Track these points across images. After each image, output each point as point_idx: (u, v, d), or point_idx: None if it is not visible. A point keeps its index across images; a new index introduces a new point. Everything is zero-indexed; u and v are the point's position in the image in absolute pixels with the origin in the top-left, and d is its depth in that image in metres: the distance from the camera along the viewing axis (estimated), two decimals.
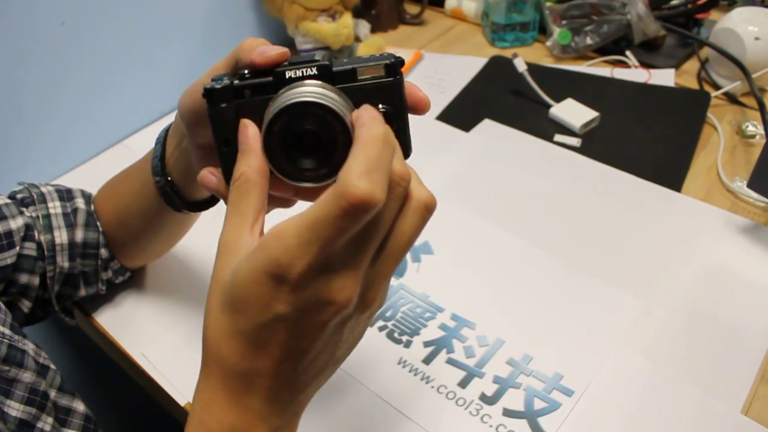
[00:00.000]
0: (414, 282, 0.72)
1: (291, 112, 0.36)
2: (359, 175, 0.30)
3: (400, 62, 0.38)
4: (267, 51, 0.38)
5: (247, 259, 0.33)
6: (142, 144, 0.97)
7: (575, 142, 0.90)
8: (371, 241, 0.33)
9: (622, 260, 0.73)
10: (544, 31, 1.14)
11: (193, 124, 0.46)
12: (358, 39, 1.11)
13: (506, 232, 0.77)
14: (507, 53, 1.10)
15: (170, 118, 1.02)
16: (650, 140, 0.90)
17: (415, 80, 1.06)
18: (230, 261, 0.35)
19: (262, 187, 0.37)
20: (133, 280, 0.74)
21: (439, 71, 1.08)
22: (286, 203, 0.44)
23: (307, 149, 0.36)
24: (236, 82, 0.38)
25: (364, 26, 1.13)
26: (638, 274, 0.71)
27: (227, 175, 0.39)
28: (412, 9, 1.24)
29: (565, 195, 0.82)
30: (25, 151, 0.87)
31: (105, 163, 0.95)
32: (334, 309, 0.33)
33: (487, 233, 0.77)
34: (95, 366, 1.03)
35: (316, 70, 0.37)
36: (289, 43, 1.13)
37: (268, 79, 0.38)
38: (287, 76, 0.37)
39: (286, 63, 0.38)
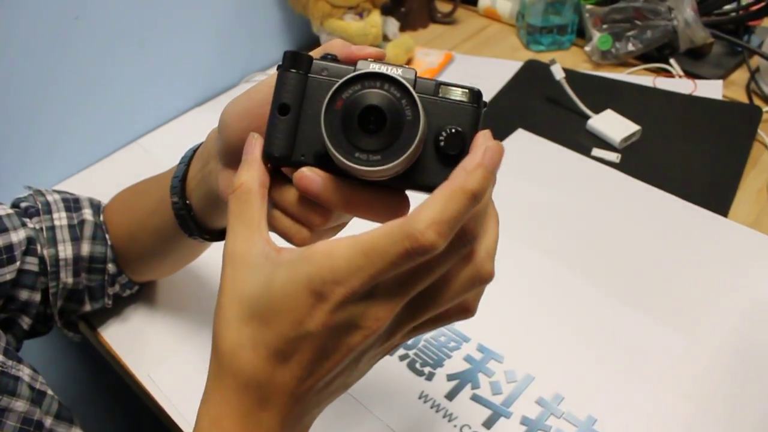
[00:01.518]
0: None
1: (365, 82, 0.35)
2: (430, 223, 0.30)
3: (484, 102, 0.38)
4: (366, 48, 0.38)
5: (286, 270, 0.33)
6: (156, 144, 0.94)
7: (614, 157, 0.85)
8: (419, 282, 0.33)
9: (663, 290, 0.68)
10: (582, 34, 1.08)
11: (235, 137, 0.42)
12: (386, 38, 1.06)
13: (539, 254, 0.72)
14: (542, 57, 1.05)
15: (187, 117, 1.00)
16: (695, 158, 0.84)
17: None
18: (246, 270, 0.34)
19: (263, 197, 0.37)
20: (142, 294, 0.71)
21: (470, 75, 1.03)
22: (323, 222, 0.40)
23: (367, 129, 0.35)
24: (317, 59, 0.37)
25: (392, 24, 1.08)
26: (680, 306, 0.66)
27: (270, 142, 0.37)
28: (443, 7, 1.19)
29: (602, 215, 0.77)
30: (35, 150, 0.84)
31: (118, 163, 0.91)
32: (363, 334, 0.32)
33: (518, 255, 0.72)
34: (101, 376, 1.00)
35: (401, 72, 0.36)
36: (314, 41, 1.08)
37: (350, 67, 0.36)
38: (371, 68, 0.36)
39: (371, 60, 0.37)
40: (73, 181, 0.88)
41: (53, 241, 0.60)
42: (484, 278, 0.35)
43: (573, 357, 0.62)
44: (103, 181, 0.88)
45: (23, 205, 0.61)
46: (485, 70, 1.04)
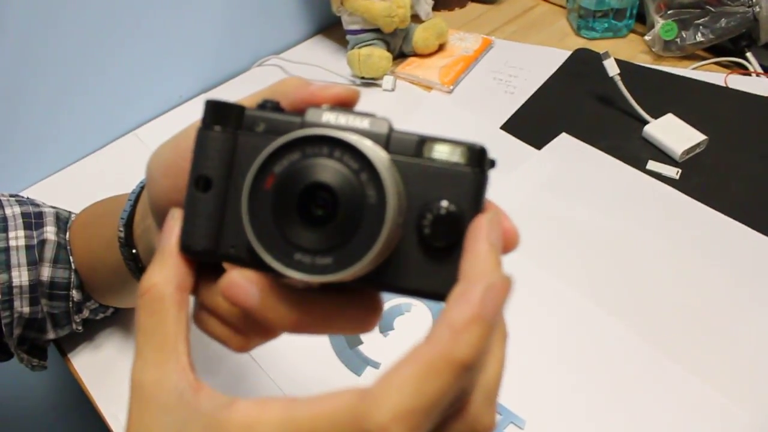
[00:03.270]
0: None
1: (307, 148, 0.24)
2: (397, 414, 0.20)
3: (491, 161, 0.27)
4: (331, 86, 0.29)
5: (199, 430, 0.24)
6: (155, 135, 0.85)
7: (674, 172, 0.72)
8: None
9: (725, 349, 0.56)
10: (642, 19, 0.94)
11: (161, 196, 0.32)
12: (417, 18, 0.94)
13: (573, 291, 0.61)
14: (595, 45, 0.92)
15: (191, 106, 0.91)
16: None
17: (481, 74, 0.89)
18: (154, 412, 0.26)
19: (180, 305, 0.27)
20: (119, 317, 0.62)
21: (511, 65, 0.90)
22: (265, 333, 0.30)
23: (310, 218, 0.24)
24: (250, 109, 0.27)
25: (425, 3, 0.95)
26: (746, 372, 0.55)
27: (187, 230, 0.27)
28: None
29: (655, 245, 0.65)
30: (20, 143, 0.76)
31: (111, 156, 0.83)
32: None
33: (549, 291, 0.61)
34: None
35: (368, 124, 0.26)
36: (334, 22, 0.97)
37: (296, 117, 0.26)
38: (324, 119, 0.26)
39: (326, 107, 0.27)
40: (62, 176, 0.80)
41: (6, 266, 0.52)
42: None
43: (610, 425, 0.52)
44: (94, 176, 0.80)
45: None
46: (528, 59, 0.91)
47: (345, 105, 0.29)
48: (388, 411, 0.20)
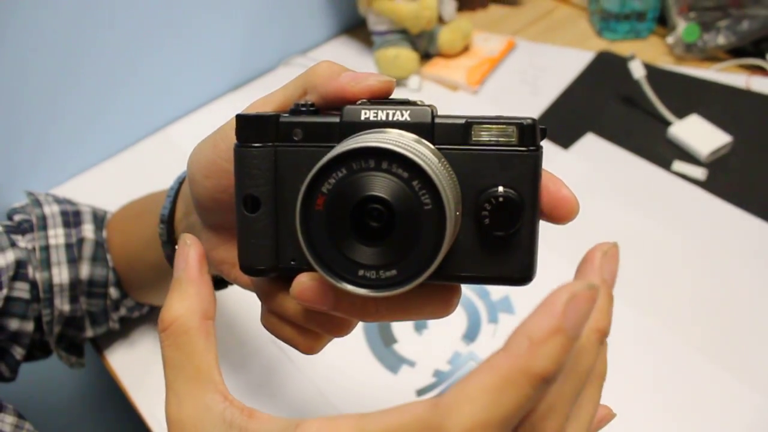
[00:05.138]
0: (489, 349, 0.58)
1: (353, 163, 0.23)
2: (469, 427, 0.19)
3: (542, 130, 0.26)
4: (363, 78, 0.27)
5: None
6: (184, 133, 0.85)
7: (699, 173, 0.72)
8: None
9: (758, 349, 0.57)
10: (664, 22, 0.94)
11: (205, 196, 0.33)
12: (441, 20, 0.95)
13: None
14: (616, 47, 0.93)
15: (219, 104, 0.91)
16: None
17: (506, 75, 0.90)
18: None
19: (208, 333, 0.27)
20: (153, 315, 0.63)
21: (535, 66, 0.91)
22: (340, 329, 0.30)
23: (366, 232, 0.24)
24: (285, 116, 0.26)
25: (449, 5, 0.96)
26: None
27: (244, 251, 0.27)
28: None
29: (682, 245, 0.65)
30: (53, 141, 0.77)
31: (141, 154, 0.83)
32: None
33: None
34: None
35: (409, 116, 0.25)
36: (360, 23, 0.97)
37: (334, 119, 0.26)
38: (363, 117, 0.25)
39: (365, 101, 0.27)
40: (92, 174, 0.81)
41: (47, 263, 0.52)
42: None
43: (642, 418, 0.53)
44: (124, 173, 0.81)
45: (17, 218, 0.54)
46: (552, 60, 0.92)
47: (380, 97, 0.28)
48: (462, 422, 0.19)
